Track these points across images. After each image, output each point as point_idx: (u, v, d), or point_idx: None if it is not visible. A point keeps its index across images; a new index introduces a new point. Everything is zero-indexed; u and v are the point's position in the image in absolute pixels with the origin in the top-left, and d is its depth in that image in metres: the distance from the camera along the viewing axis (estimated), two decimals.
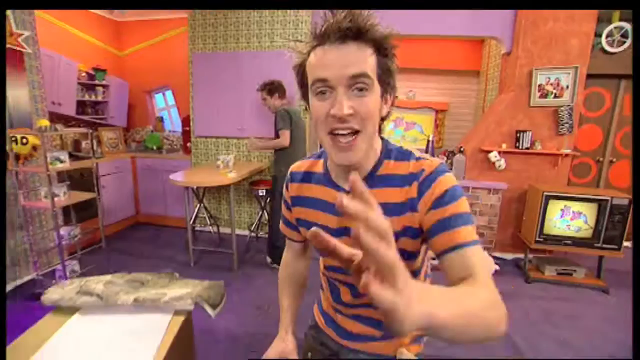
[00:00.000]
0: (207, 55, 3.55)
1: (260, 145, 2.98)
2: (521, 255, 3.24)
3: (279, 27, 3.35)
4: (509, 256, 3.39)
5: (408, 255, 0.68)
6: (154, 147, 4.32)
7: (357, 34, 0.56)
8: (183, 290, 0.88)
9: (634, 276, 1.25)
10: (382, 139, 0.70)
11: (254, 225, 3.65)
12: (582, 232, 2.83)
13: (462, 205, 0.61)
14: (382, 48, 0.58)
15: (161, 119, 4.53)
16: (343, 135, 0.58)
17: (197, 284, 0.92)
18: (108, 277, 0.93)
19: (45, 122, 2.32)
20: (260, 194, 3.31)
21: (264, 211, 3.54)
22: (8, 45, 2.39)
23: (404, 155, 0.67)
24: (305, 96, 0.65)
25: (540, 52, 3.03)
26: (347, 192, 0.57)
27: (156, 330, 0.79)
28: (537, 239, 2.93)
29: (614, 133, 3.59)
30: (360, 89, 0.56)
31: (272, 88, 2.85)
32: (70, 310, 0.87)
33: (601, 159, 3.67)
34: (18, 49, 2.46)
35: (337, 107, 0.56)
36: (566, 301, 2.66)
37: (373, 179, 0.66)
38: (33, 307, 2.36)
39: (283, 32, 3.36)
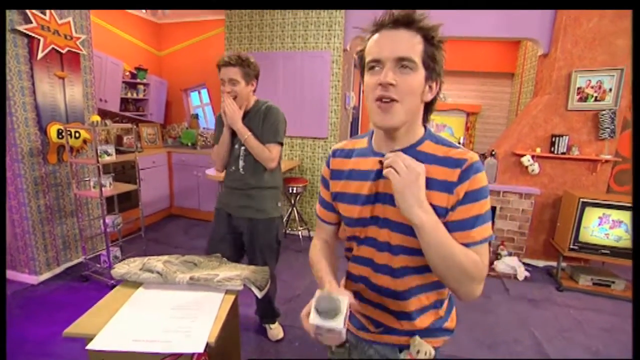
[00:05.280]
0: None
1: (246, 136, 1.67)
2: (553, 263, 3.14)
3: (312, 28, 3.43)
4: (540, 263, 3.30)
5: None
6: (189, 143, 4.53)
7: (408, 22, 0.66)
8: (233, 273, 0.96)
9: (634, 276, 1.22)
10: (425, 127, 0.76)
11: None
12: (623, 241, 2.71)
13: (487, 204, 0.70)
14: (429, 37, 0.67)
15: (196, 116, 4.74)
16: (385, 102, 0.68)
17: (245, 268, 1.00)
18: (165, 257, 1.03)
19: (97, 118, 2.51)
20: (291, 190, 3.41)
21: (294, 208, 3.63)
22: (68, 49, 2.62)
23: (445, 141, 0.74)
24: (363, 77, 0.74)
25: (582, 53, 2.93)
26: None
27: (211, 305, 0.88)
28: (571, 246, 2.83)
29: None
30: (405, 67, 0.66)
31: (251, 70, 1.67)
32: (134, 284, 0.97)
33: None
34: (76, 51, 2.68)
35: (383, 76, 0.66)
36: (601, 313, 2.56)
37: (414, 151, 0.72)
38: (80, 287, 2.57)
39: (316, 33, 3.43)
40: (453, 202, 0.69)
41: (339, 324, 0.61)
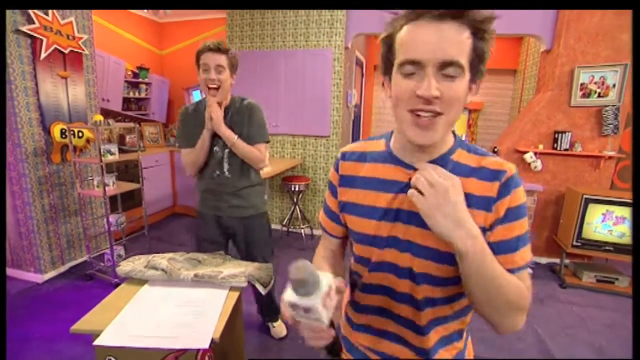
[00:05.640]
0: (244, 53, 3.69)
1: (234, 140, 1.61)
2: (557, 260, 3.14)
3: (314, 26, 3.43)
4: (543, 260, 3.29)
5: None
6: None
7: (456, 13, 0.52)
8: (237, 270, 0.96)
9: (634, 275, 1.22)
10: (453, 133, 0.66)
11: (285, 220, 3.77)
12: (627, 238, 2.70)
13: (526, 223, 0.61)
14: (480, 30, 0.55)
15: None
16: (425, 116, 0.55)
17: (249, 265, 1.01)
18: (170, 254, 1.04)
19: (100, 117, 2.52)
20: (294, 188, 3.42)
21: (296, 206, 3.64)
22: (71, 49, 2.63)
23: (477, 149, 0.64)
24: (387, 70, 0.61)
25: (585, 49, 2.91)
26: (416, 170, 0.60)
27: (215, 301, 0.88)
28: (574, 243, 2.82)
29: None
30: (450, 75, 0.53)
31: (235, 61, 1.62)
32: (139, 282, 0.98)
33: None
34: (78, 51, 2.70)
35: (425, 88, 0.52)
36: (604, 309, 2.55)
37: (446, 161, 0.62)
38: (84, 286, 2.59)
39: (318, 31, 3.43)
40: (492, 220, 0.59)
41: (314, 301, 0.49)
